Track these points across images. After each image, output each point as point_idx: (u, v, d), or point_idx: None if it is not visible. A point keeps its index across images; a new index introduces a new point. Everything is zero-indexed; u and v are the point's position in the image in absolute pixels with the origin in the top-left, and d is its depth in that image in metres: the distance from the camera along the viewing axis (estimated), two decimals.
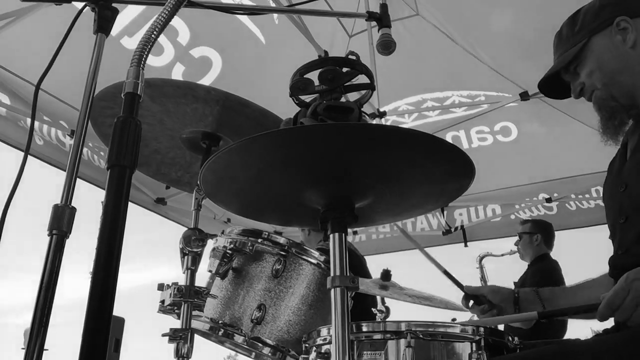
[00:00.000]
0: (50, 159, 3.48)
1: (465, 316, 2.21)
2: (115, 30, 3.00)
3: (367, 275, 3.25)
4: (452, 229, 5.17)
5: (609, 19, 1.38)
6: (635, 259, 1.23)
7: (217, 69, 3.54)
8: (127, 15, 3.03)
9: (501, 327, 3.30)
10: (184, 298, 1.59)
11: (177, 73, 3.41)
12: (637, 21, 1.36)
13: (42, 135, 3.42)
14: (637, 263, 1.19)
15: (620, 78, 1.36)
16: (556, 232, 4.07)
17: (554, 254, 3.95)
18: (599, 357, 1.04)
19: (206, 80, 3.51)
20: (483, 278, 3.98)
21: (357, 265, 3.37)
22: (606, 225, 1.49)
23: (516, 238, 4.06)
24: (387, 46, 1.40)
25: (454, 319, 2.19)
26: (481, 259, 4.04)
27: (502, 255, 3.98)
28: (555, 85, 1.54)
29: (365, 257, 3.74)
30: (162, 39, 3.25)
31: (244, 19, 3.46)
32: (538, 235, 3.84)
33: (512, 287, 3.60)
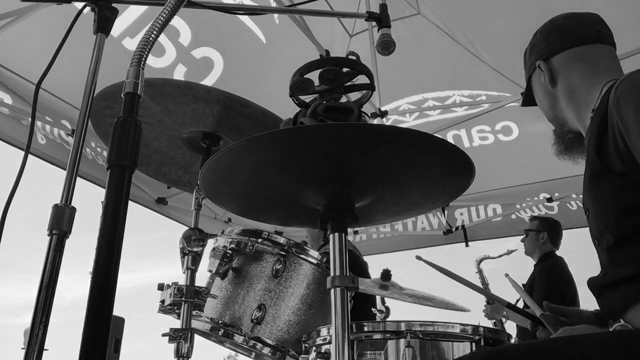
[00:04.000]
0: (53, 159, 3.47)
1: (466, 317, 2.20)
2: (117, 31, 3.01)
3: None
4: (453, 229, 5.15)
5: (533, 64, 1.48)
6: (611, 278, 1.24)
7: (219, 69, 3.54)
8: (129, 16, 3.03)
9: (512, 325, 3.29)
10: (184, 298, 1.59)
11: (179, 74, 3.40)
12: (550, 62, 1.44)
13: (45, 134, 3.41)
14: (613, 284, 1.22)
15: (554, 112, 1.48)
16: None
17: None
18: (587, 354, 1.03)
19: (208, 82, 3.51)
20: (483, 282, 3.94)
21: (359, 270, 3.36)
22: None
23: (516, 238, 4.03)
24: (386, 46, 1.40)
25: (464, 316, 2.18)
26: (479, 263, 3.98)
27: (500, 256, 3.91)
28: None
29: (365, 257, 3.74)
30: (164, 39, 3.25)
31: (245, 18, 3.46)
32: (544, 234, 3.80)
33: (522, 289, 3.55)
